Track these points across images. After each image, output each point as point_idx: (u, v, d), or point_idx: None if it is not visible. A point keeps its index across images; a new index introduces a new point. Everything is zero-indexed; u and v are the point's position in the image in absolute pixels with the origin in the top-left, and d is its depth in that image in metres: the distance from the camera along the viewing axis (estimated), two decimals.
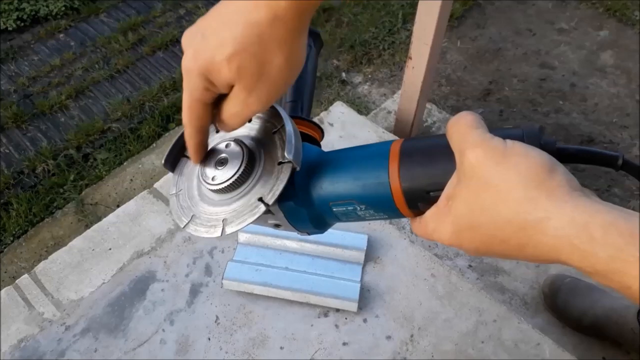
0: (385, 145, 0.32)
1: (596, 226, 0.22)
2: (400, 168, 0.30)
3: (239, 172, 0.32)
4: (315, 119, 1.23)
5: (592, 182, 1.44)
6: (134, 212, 1.07)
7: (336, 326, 0.88)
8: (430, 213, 0.30)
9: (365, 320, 0.89)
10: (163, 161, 0.37)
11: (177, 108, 1.78)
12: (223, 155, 0.33)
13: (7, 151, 1.69)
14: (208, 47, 0.28)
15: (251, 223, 0.32)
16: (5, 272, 1.38)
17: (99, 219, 1.17)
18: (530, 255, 0.25)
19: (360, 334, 0.87)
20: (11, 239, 1.46)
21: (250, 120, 0.35)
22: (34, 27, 2.12)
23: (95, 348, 0.88)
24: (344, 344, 0.87)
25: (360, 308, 0.89)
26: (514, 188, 0.24)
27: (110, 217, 1.08)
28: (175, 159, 0.37)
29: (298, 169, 0.31)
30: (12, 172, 1.62)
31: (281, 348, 0.86)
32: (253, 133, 0.35)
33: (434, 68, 1.24)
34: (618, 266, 0.21)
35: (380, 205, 0.32)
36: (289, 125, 0.32)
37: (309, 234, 0.37)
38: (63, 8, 2.14)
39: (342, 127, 1.21)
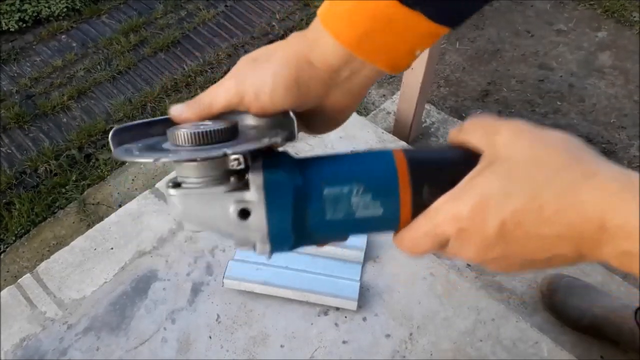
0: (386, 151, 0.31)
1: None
2: (406, 151, 0.29)
3: (223, 126, 0.28)
4: None
5: None
6: (135, 212, 1.08)
7: (336, 325, 0.89)
8: (443, 198, 0.26)
9: (364, 319, 0.90)
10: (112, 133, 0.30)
11: None
12: (206, 123, 0.30)
13: (10, 151, 1.70)
14: (255, 81, 0.30)
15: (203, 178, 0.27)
16: (8, 271, 1.39)
17: (101, 218, 1.18)
18: (565, 226, 0.22)
19: (360, 333, 0.88)
20: (13, 238, 1.47)
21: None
22: (36, 28, 2.13)
23: (97, 347, 0.89)
24: (344, 342, 0.87)
25: (359, 307, 0.90)
26: (558, 156, 0.23)
27: (112, 216, 1.09)
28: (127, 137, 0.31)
29: (287, 140, 0.28)
30: (15, 172, 1.63)
31: (281, 346, 0.87)
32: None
33: (433, 69, 1.25)
34: None
35: (381, 186, 0.28)
36: (292, 128, 0.29)
37: (271, 248, 0.29)
38: (65, 9, 2.15)
39: (342, 128, 1.22)
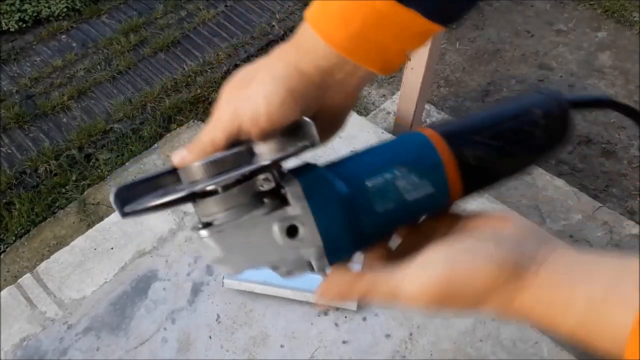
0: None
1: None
2: (436, 126, 0.29)
3: (237, 150, 0.26)
4: None
5: (590, 183, 1.45)
6: None
7: (336, 324, 0.89)
8: (408, 274, 0.25)
9: (364, 319, 0.90)
10: (114, 195, 0.26)
11: (179, 109, 1.79)
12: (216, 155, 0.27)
13: (10, 151, 1.70)
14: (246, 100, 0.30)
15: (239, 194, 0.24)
16: (8, 271, 1.39)
17: (101, 218, 1.18)
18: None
19: (360, 333, 0.88)
20: (13, 238, 1.47)
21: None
22: (36, 28, 2.13)
23: (97, 347, 0.89)
24: (344, 342, 0.87)
25: (359, 307, 0.90)
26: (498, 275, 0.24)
27: (112, 217, 1.09)
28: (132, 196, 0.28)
29: (316, 146, 0.26)
30: (15, 172, 1.63)
31: (281, 346, 0.87)
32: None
33: (433, 69, 1.25)
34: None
35: (422, 160, 0.27)
36: (313, 133, 0.27)
37: (329, 260, 0.26)
38: (65, 9, 2.15)
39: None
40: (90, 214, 1.49)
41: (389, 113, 1.52)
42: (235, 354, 0.87)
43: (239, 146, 0.28)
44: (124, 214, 0.25)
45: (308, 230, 0.25)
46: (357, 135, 1.21)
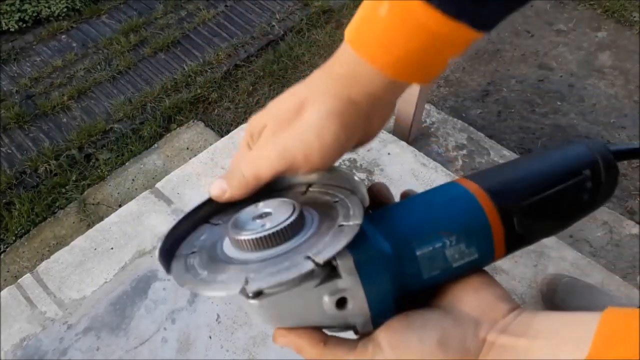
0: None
1: None
2: (481, 181, 0.28)
3: (291, 219, 0.25)
4: None
5: None
6: (135, 212, 1.08)
7: None
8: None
9: None
10: (159, 250, 0.26)
11: (179, 109, 1.79)
12: (265, 209, 0.26)
13: (10, 151, 1.70)
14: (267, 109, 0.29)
15: (297, 298, 0.24)
16: (8, 271, 1.39)
17: (101, 218, 1.18)
18: None
19: None
20: (13, 238, 1.47)
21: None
22: (36, 28, 2.13)
23: (97, 347, 0.89)
24: None
25: None
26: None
27: (112, 216, 1.09)
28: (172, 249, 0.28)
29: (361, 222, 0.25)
30: (15, 172, 1.63)
31: (281, 346, 0.87)
32: (302, 199, 0.29)
33: None
34: None
35: (473, 230, 0.27)
36: (362, 192, 0.27)
37: (374, 325, 0.26)
38: (65, 9, 2.15)
39: None
40: (90, 214, 1.49)
41: None
42: (235, 354, 0.87)
43: (280, 196, 0.28)
44: (183, 282, 0.24)
45: (358, 303, 0.25)
46: None
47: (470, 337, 0.25)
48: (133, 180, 1.57)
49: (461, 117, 1.64)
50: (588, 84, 1.73)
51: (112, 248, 1.03)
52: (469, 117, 1.65)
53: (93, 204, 1.51)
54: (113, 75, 1.92)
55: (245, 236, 0.24)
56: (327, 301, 0.25)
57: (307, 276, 0.24)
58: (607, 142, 0.31)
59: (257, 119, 0.29)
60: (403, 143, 1.21)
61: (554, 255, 1.00)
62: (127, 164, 1.62)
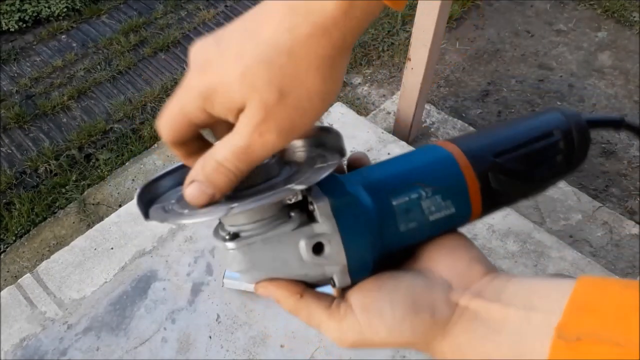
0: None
1: None
2: (457, 142, 0.29)
3: (272, 160, 0.25)
4: None
5: (589, 182, 1.45)
6: (135, 212, 1.08)
7: None
8: (328, 320, 0.27)
9: None
10: (137, 196, 0.27)
11: None
12: None
13: (10, 151, 1.70)
14: (221, 58, 0.22)
15: (277, 226, 0.24)
16: (8, 271, 1.39)
17: (101, 218, 1.18)
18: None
19: None
20: (13, 238, 1.47)
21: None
22: (36, 28, 2.13)
23: (97, 347, 0.89)
24: None
25: None
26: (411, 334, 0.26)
27: (112, 216, 1.09)
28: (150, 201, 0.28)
29: (345, 161, 0.26)
30: (15, 172, 1.63)
31: (281, 346, 0.87)
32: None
33: (433, 69, 1.25)
34: None
35: (448, 182, 0.27)
36: (340, 144, 0.27)
37: (351, 277, 0.26)
38: (65, 9, 2.15)
39: (342, 128, 1.22)
40: (90, 214, 1.49)
41: (389, 113, 1.52)
42: (235, 354, 0.87)
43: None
44: (159, 218, 0.24)
45: (334, 249, 0.25)
46: (357, 135, 1.21)
47: (441, 301, 0.25)
48: (133, 180, 1.57)
49: (461, 117, 1.64)
50: (588, 84, 1.73)
51: (112, 248, 1.03)
52: (469, 117, 1.65)
53: (93, 204, 1.51)
54: (113, 75, 1.92)
55: None
56: (304, 246, 0.25)
57: (283, 218, 0.24)
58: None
59: (228, 100, 0.22)
60: (403, 143, 1.21)
61: (554, 255, 1.00)
62: (127, 164, 1.62)
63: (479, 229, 1.04)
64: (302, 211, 0.25)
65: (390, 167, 0.29)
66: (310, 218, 0.25)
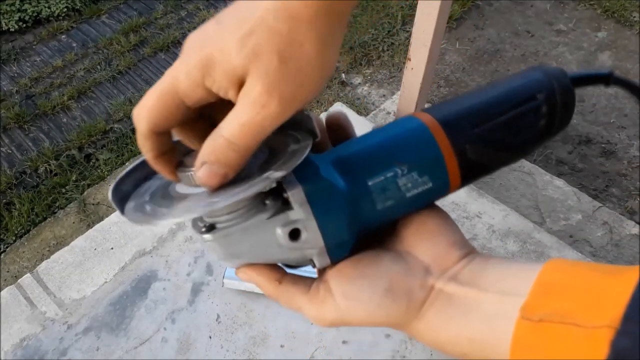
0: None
1: None
2: (434, 112, 0.28)
3: None
4: None
5: (590, 182, 1.45)
6: None
7: None
8: (309, 305, 0.28)
9: None
10: (111, 193, 0.26)
11: None
12: None
13: (10, 151, 1.70)
14: (220, 31, 0.21)
15: (253, 214, 0.24)
16: (8, 271, 1.39)
17: (101, 218, 1.18)
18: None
19: (360, 333, 0.88)
20: (13, 238, 1.47)
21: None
22: (36, 28, 2.13)
23: (97, 347, 0.89)
24: (344, 342, 0.87)
25: None
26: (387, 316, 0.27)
27: (112, 216, 1.09)
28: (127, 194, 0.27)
29: (318, 138, 0.26)
30: (15, 172, 1.63)
31: (281, 346, 0.87)
32: None
33: (433, 69, 1.25)
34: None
35: (424, 158, 0.27)
36: (311, 124, 0.26)
37: (331, 258, 0.27)
38: (65, 9, 2.15)
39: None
40: (90, 214, 1.49)
41: (389, 113, 1.52)
42: (235, 354, 0.87)
43: None
44: (133, 218, 0.24)
45: (311, 233, 0.25)
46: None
47: (418, 286, 0.26)
48: None
49: None
50: None
51: (112, 248, 1.03)
52: None
53: (93, 204, 1.51)
54: (113, 75, 1.92)
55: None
56: (280, 233, 0.25)
57: (258, 206, 0.24)
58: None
59: (229, 68, 0.22)
60: None
61: (554, 255, 1.00)
62: (127, 164, 1.62)
63: (479, 229, 1.04)
64: (277, 198, 0.25)
65: (364, 144, 0.28)
66: (285, 204, 0.25)
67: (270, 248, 0.25)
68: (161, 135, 0.24)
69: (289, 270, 0.29)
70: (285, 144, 0.26)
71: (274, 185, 0.24)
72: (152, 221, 0.23)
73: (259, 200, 0.25)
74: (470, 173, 0.28)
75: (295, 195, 0.24)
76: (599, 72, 0.30)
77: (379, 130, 0.29)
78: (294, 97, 0.22)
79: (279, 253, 0.26)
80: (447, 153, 0.27)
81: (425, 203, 0.28)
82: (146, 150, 0.25)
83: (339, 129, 0.30)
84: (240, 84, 0.22)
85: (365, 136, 0.29)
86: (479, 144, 0.27)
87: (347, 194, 0.26)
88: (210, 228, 0.25)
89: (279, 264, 0.28)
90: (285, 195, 0.25)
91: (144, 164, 0.28)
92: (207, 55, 0.21)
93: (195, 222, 0.27)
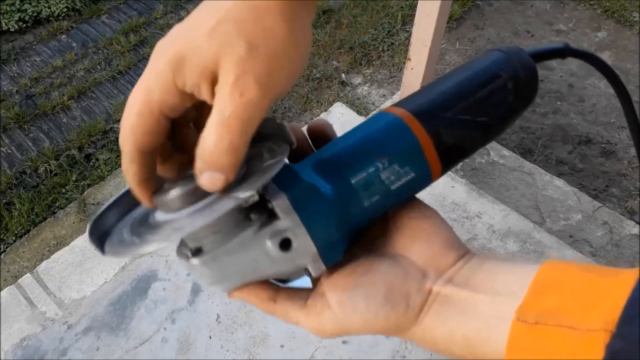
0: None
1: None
2: (405, 104, 0.29)
3: None
4: None
5: (590, 182, 1.45)
6: None
7: None
8: (306, 317, 0.27)
9: None
10: (89, 230, 0.25)
11: None
12: (190, 171, 0.24)
13: (10, 151, 1.70)
14: (186, 30, 0.22)
15: (235, 231, 0.23)
16: (8, 271, 1.39)
17: None
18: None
19: None
20: (13, 238, 1.47)
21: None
22: (36, 28, 2.13)
23: (97, 347, 0.89)
24: (344, 342, 0.87)
25: None
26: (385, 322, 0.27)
27: None
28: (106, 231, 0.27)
29: (294, 145, 0.26)
30: (15, 172, 1.63)
31: (281, 346, 0.87)
32: None
33: (433, 69, 1.25)
34: None
35: (402, 149, 0.27)
36: (286, 133, 0.26)
37: (325, 262, 0.26)
38: (65, 9, 2.15)
39: (342, 128, 1.22)
40: (90, 214, 1.49)
41: None
42: (235, 354, 0.87)
43: None
44: (111, 252, 0.24)
45: (301, 241, 0.25)
46: None
47: (415, 290, 0.26)
48: None
49: None
50: (588, 84, 1.73)
51: None
52: None
53: (93, 204, 1.51)
54: (113, 75, 1.92)
55: (170, 195, 0.23)
56: (270, 245, 0.24)
57: (243, 222, 0.24)
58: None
59: (200, 62, 0.21)
60: None
61: (554, 255, 1.00)
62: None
63: (479, 229, 1.04)
64: (262, 210, 0.24)
65: (342, 144, 0.28)
66: (272, 215, 0.24)
67: (261, 264, 0.25)
68: (147, 155, 0.24)
69: (282, 285, 0.28)
70: (260, 156, 0.25)
71: (255, 198, 0.24)
72: (130, 251, 0.22)
73: (244, 215, 0.24)
74: (449, 157, 0.29)
75: (280, 203, 0.24)
76: (554, 46, 0.32)
77: (354, 130, 0.29)
78: (271, 80, 0.21)
79: (271, 267, 0.25)
80: (424, 140, 0.27)
81: (412, 194, 0.29)
82: (132, 173, 0.24)
83: (322, 137, 0.30)
84: (212, 79, 0.21)
85: (342, 137, 0.29)
86: (453, 126, 0.28)
87: (331, 195, 0.25)
88: (197, 252, 0.24)
89: (272, 280, 0.28)
90: (269, 205, 0.24)
91: (119, 199, 0.28)
92: (175, 53, 0.21)
93: (180, 250, 0.26)
